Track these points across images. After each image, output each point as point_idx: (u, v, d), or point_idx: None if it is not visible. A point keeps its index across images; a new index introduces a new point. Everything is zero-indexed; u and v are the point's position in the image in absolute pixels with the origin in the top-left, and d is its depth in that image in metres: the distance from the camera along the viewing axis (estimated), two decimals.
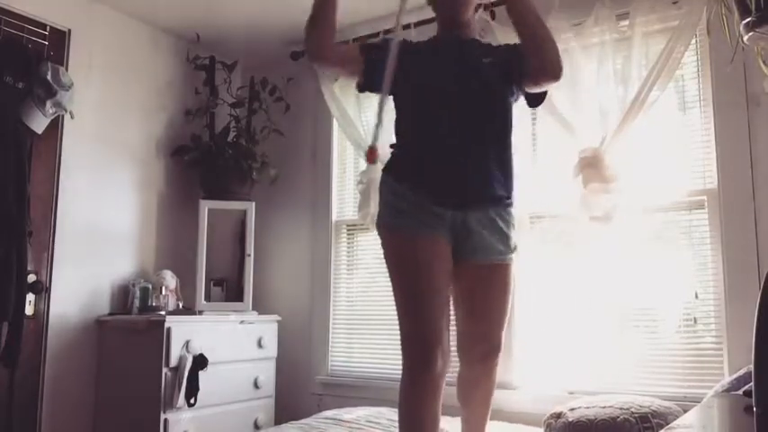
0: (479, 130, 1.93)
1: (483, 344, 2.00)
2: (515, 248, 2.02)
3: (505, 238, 1.97)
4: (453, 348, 2.02)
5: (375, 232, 2.06)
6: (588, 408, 2.35)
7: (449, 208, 1.90)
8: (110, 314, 3.31)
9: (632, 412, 2.26)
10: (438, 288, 1.86)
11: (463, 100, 1.94)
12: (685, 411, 1.92)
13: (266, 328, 3.51)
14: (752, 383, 1.02)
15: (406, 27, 3.39)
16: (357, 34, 3.52)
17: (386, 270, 1.95)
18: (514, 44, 2.02)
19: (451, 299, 1.99)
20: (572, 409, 2.37)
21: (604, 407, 2.32)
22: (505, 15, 3.11)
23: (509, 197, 2.01)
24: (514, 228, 2.02)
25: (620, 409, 2.29)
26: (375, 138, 1.96)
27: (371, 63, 1.98)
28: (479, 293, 1.98)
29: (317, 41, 1.94)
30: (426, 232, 1.87)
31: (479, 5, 2.17)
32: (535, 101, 2.12)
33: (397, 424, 1.96)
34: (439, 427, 1.88)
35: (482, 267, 1.96)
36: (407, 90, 2.00)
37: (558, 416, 2.38)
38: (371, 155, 2.07)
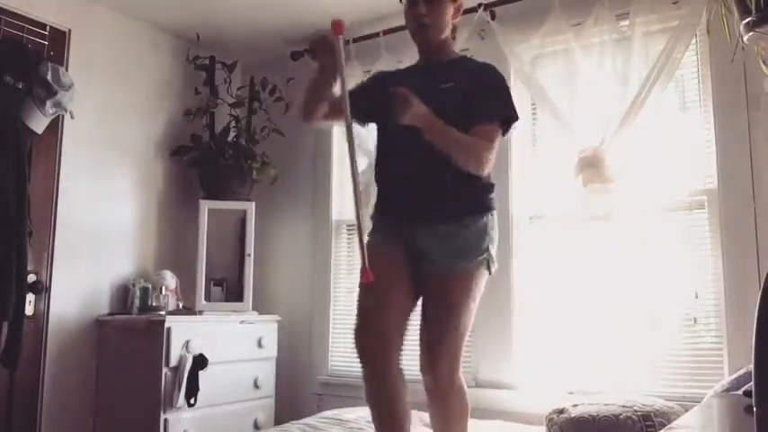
0: (433, 154, 1.93)
1: (428, 352, 2.01)
2: (482, 259, 2.01)
3: (463, 250, 2.00)
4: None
5: None
6: (591, 405, 2.35)
7: (404, 228, 2.03)
8: (110, 314, 3.31)
9: (635, 410, 2.26)
10: (382, 296, 1.96)
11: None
12: (687, 411, 1.92)
13: (266, 328, 3.51)
14: (752, 383, 1.02)
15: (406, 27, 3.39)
16: (357, 34, 3.52)
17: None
18: (486, 79, 2.08)
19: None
20: (574, 406, 2.37)
21: (607, 404, 2.32)
22: (506, 15, 3.14)
23: (473, 212, 2.03)
24: (485, 238, 2.02)
25: (623, 406, 2.29)
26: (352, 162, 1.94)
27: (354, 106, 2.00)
28: (430, 303, 2.04)
29: (305, 110, 2.13)
30: (385, 249, 2.02)
31: (455, 29, 2.21)
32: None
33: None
34: (402, 415, 1.96)
35: (434, 278, 2.02)
36: (377, 119, 2.16)
37: (561, 411, 2.38)
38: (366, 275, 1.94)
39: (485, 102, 2.02)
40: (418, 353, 2.04)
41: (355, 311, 2.03)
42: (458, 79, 2.04)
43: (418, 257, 2.02)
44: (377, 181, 2.17)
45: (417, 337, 2.05)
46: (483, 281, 2.03)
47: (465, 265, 1.99)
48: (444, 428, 2.06)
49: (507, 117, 2.06)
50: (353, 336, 1.98)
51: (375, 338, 1.94)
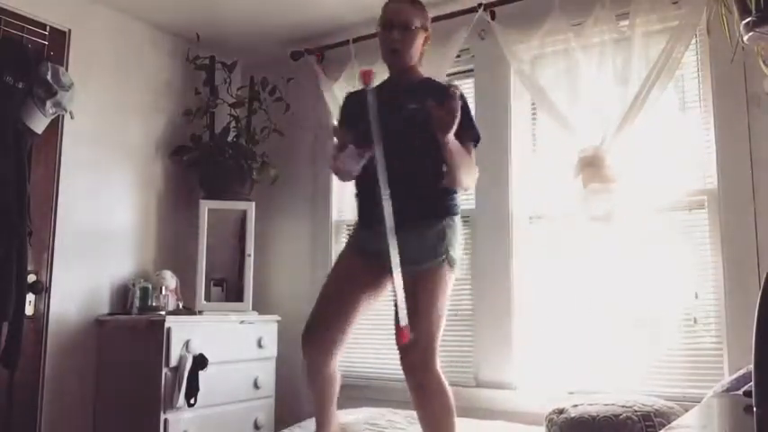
0: (400, 169, 2.12)
1: (402, 347, 2.12)
2: (442, 260, 2.15)
3: (424, 251, 2.14)
4: None
5: None
6: (591, 405, 2.34)
7: (375, 234, 2.16)
8: (109, 314, 3.31)
9: (635, 410, 2.26)
10: (334, 313, 2.24)
11: (390, 143, 2.12)
12: (687, 411, 1.92)
13: (266, 328, 3.51)
14: (752, 383, 1.02)
15: None
16: (357, 34, 3.52)
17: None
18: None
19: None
20: (574, 406, 2.37)
21: (607, 404, 2.32)
22: (505, 15, 3.14)
23: (436, 217, 2.19)
24: (444, 239, 2.16)
25: (623, 407, 2.28)
26: None
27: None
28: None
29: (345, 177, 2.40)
30: (351, 261, 2.29)
31: (422, 55, 2.36)
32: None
33: (395, 425, 2.11)
34: (326, 394, 2.31)
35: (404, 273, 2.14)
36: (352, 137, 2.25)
37: (561, 412, 2.38)
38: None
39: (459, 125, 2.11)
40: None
41: (311, 314, 2.27)
42: (423, 100, 2.13)
43: (385, 260, 2.12)
44: (356, 195, 2.36)
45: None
46: (448, 278, 2.16)
47: (427, 265, 2.13)
48: (430, 426, 2.12)
49: (477, 138, 2.27)
50: (302, 339, 2.25)
51: (320, 348, 2.24)
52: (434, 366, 2.09)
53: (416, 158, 2.19)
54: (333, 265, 2.41)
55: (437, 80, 2.39)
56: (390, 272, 2.11)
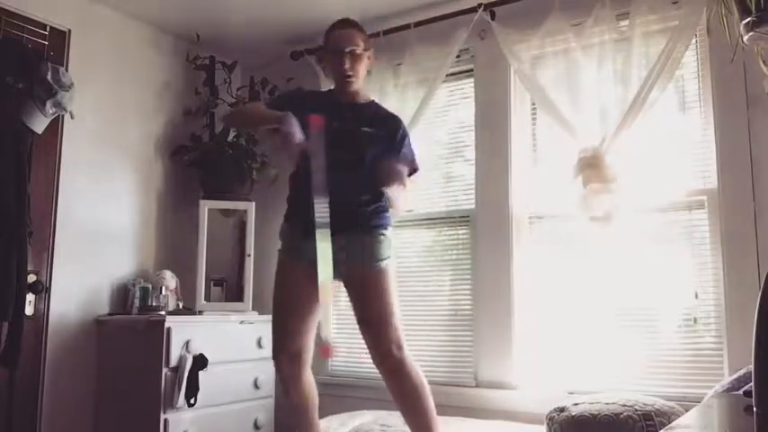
0: (348, 177, 2.27)
1: (367, 333, 2.29)
2: (381, 263, 2.32)
3: (366, 256, 2.31)
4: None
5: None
6: (592, 404, 2.34)
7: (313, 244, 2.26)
8: (109, 314, 3.31)
9: (636, 410, 2.26)
10: (300, 321, 2.35)
11: (336, 159, 2.24)
12: (687, 411, 1.92)
13: (266, 328, 3.45)
14: (752, 383, 1.02)
15: (406, 27, 3.40)
16: None
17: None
18: (400, 131, 2.45)
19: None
20: (575, 404, 2.37)
21: (608, 403, 2.32)
22: (506, 15, 3.14)
23: (375, 227, 2.34)
24: (379, 245, 2.33)
25: (624, 405, 2.28)
26: None
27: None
28: (354, 296, 2.36)
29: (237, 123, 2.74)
30: (301, 267, 2.35)
31: (368, 71, 2.53)
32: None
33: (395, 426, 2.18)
34: (308, 401, 2.39)
35: (350, 278, 2.34)
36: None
37: (561, 410, 2.38)
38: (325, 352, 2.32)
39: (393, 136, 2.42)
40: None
41: (274, 329, 2.38)
42: (376, 126, 2.39)
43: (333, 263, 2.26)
44: (292, 197, 2.45)
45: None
46: (389, 275, 2.32)
47: (369, 265, 2.29)
48: (411, 405, 2.24)
49: (415, 171, 2.47)
50: (273, 355, 2.35)
51: (292, 360, 2.33)
52: (405, 347, 2.26)
53: (360, 177, 2.31)
54: (277, 275, 2.44)
55: (381, 106, 2.56)
56: (341, 271, 2.29)
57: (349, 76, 2.39)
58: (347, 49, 2.38)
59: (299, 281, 2.34)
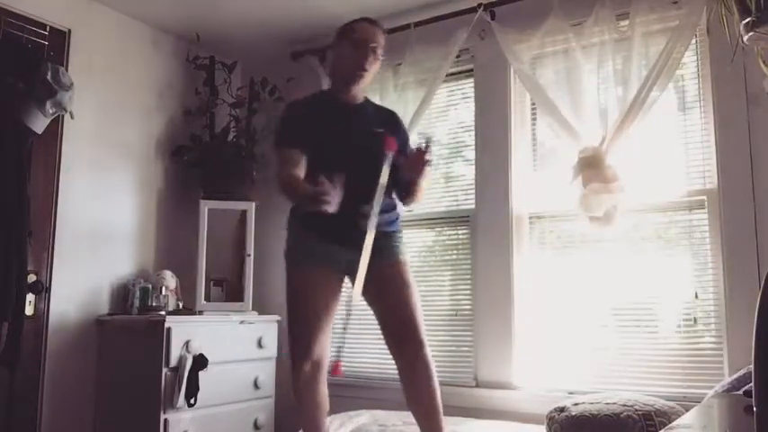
0: (362, 186, 2.17)
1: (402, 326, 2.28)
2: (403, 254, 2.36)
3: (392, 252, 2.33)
4: None
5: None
6: (592, 403, 2.35)
7: (345, 245, 2.24)
8: (109, 314, 3.31)
9: (636, 409, 2.26)
10: (325, 328, 2.32)
11: (354, 163, 2.19)
12: (687, 411, 1.92)
13: (266, 328, 3.51)
14: (752, 383, 1.02)
15: (406, 27, 3.40)
16: None
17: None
18: (402, 128, 2.48)
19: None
20: (575, 404, 2.37)
21: (608, 403, 2.32)
22: (506, 15, 3.14)
23: (394, 231, 2.36)
24: (399, 243, 2.37)
25: (624, 405, 2.28)
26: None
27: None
28: (380, 299, 2.32)
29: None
30: (326, 273, 2.32)
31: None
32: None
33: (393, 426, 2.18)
34: (321, 409, 2.37)
35: (381, 272, 2.26)
36: (315, 149, 2.27)
37: (562, 410, 2.38)
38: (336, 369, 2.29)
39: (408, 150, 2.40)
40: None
41: (296, 337, 2.31)
42: (380, 123, 2.35)
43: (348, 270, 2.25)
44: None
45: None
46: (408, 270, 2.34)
47: (396, 258, 2.31)
48: (430, 404, 2.22)
49: None
50: (296, 364, 2.29)
51: (314, 368, 2.30)
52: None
53: (375, 178, 2.26)
54: (296, 282, 2.33)
55: (374, 102, 2.54)
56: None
57: (365, 71, 2.32)
58: (372, 44, 2.32)
59: (323, 288, 2.30)
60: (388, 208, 2.33)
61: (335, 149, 2.26)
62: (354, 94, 2.39)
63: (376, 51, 2.33)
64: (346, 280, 2.36)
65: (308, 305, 2.29)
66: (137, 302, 3.30)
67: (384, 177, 2.19)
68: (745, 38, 1.86)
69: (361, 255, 2.16)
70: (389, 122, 2.43)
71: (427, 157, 2.21)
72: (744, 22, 1.75)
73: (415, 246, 3.44)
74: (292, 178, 2.19)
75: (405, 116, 2.88)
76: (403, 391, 2.27)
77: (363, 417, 2.85)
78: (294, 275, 2.34)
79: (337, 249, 2.25)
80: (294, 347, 2.31)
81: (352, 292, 2.22)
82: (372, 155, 2.22)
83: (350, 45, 2.34)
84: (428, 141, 2.23)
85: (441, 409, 2.23)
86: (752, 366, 1.02)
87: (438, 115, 3.50)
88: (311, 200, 2.02)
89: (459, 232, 3.36)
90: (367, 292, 2.23)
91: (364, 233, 2.15)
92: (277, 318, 3.59)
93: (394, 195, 2.40)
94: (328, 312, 2.32)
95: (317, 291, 2.30)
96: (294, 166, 2.22)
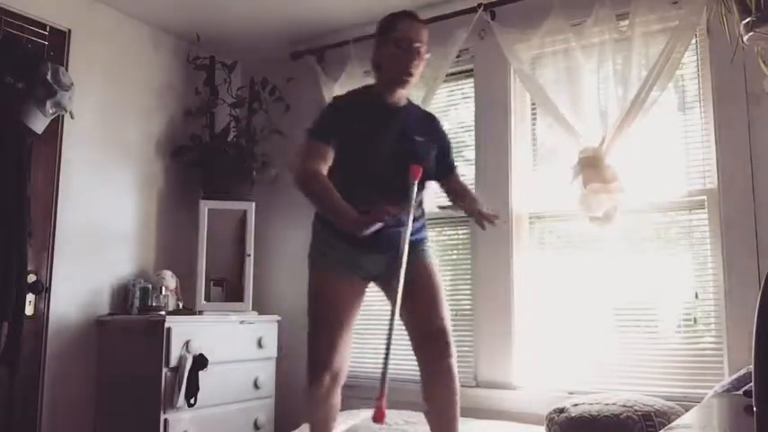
0: (402, 189, 2.10)
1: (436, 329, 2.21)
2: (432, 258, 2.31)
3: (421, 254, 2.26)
4: None
5: None
6: (591, 404, 2.35)
7: (374, 251, 2.19)
8: (110, 314, 3.31)
9: (635, 410, 2.26)
10: (347, 339, 2.23)
11: (389, 169, 2.14)
12: (687, 411, 1.92)
13: (266, 328, 3.51)
14: (752, 383, 1.02)
15: None
16: (357, 34, 3.52)
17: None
18: (443, 132, 2.40)
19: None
20: (575, 405, 2.37)
21: (608, 404, 2.32)
22: (506, 15, 3.14)
23: (423, 238, 2.30)
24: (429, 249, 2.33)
25: (624, 406, 2.28)
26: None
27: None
28: (418, 290, 2.21)
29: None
30: (352, 281, 2.25)
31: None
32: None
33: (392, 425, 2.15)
34: (332, 419, 2.28)
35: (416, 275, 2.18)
36: (350, 149, 2.17)
37: (561, 411, 2.38)
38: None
39: (450, 155, 2.39)
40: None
41: (317, 346, 2.19)
42: (425, 133, 2.27)
43: (388, 273, 2.16)
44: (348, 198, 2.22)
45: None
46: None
47: (428, 261, 2.26)
48: (450, 410, 2.14)
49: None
50: (315, 374, 2.17)
51: (333, 379, 2.19)
52: None
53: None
54: (320, 289, 2.24)
55: (415, 105, 2.42)
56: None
57: (411, 75, 2.16)
58: (416, 44, 2.14)
59: (348, 296, 2.21)
60: (416, 216, 2.23)
61: (372, 152, 2.16)
62: (397, 98, 2.24)
63: (420, 52, 2.16)
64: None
65: (333, 313, 2.18)
66: (137, 302, 3.30)
67: (411, 205, 2.09)
68: (745, 38, 1.86)
69: (387, 259, 2.13)
70: (432, 129, 2.33)
71: (492, 220, 2.15)
72: (744, 22, 1.75)
73: None
74: (329, 188, 2.07)
75: None
76: (423, 399, 2.18)
77: (359, 416, 2.85)
78: (319, 282, 2.24)
79: (365, 255, 2.18)
80: (314, 356, 2.19)
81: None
82: (409, 162, 2.10)
83: (393, 45, 2.16)
84: (496, 217, 2.18)
85: (457, 420, 2.15)
86: (752, 366, 1.02)
87: (438, 115, 3.48)
88: (350, 223, 1.99)
89: (459, 232, 3.36)
90: (410, 299, 2.17)
91: (392, 238, 2.08)
92: (277, 318, 3.59)
93: (424, 202, 2.32)
94: (351, 321, 2.23)
95: (343, 299, 2.20)
96: (321, 161, 2.12)
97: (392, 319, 2.00)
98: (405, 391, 3.26)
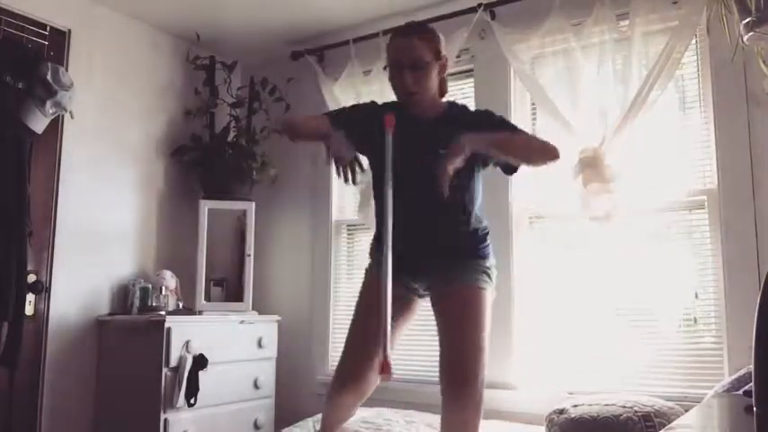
0: (434, 195, 1.95)
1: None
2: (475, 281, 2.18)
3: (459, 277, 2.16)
4: None
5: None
6: (591, 405, 2.34)
7: (406, 263, 2.10)
8: (110, 314, 3.31)
9: (635, 411, 2.26)
10: (373, 352, 2.03)
11: (414, 184, 2.03)
12: (687, 411, 1.92)
13: (266, 328, 3.51)
14: (752, 383, 1.02)
15: None
16: (357, 34, 3.53)
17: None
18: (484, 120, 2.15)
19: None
20: (575, 406, 2.37)
21: (607, 404, 2.32)
22: (506, 15, 3.14)
23: (468, 256, 2.18)
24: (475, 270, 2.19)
25: (623, 407, 2.28)
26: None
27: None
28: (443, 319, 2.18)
29: (294, 135, 2.20)
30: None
31: (445, 81, 2.18)
32: (511, 171, 2.23)
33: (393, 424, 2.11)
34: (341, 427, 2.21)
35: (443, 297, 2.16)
36: (374, 156, 2.12)
37: (561, 412, 2.38)
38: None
39: (495, 127, 2.10)
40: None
41: (351, 353, 2.13)
42: (449, 141, 2.00)
43: (420, 287, 2.16)
44: (377, 215, 2.17)
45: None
46: (485, 302, 2.21)
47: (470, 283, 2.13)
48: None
49: (514, 127, 2.16)
50: (341, 380, 2.11)
51: (356, 390, 2.11)
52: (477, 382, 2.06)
53: (448, 205, 2.04)
54: (363, 298, 2.20)
55: (459, 107, 2.23)
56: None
57: (413, 94, 2.08)
58: (407, 62, 2.05)
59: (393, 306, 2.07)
60: (461, 233, 2.15)
61: (392, 164, 2.03)
62: (422, 109, 2.13)
63: (418, 67, 2.05)
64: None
65: (366, 323, 2.09)
66: (137, 302, 3.30)
67: (389, 156, 2.01)
68: (745, 38, 1.86)
69: (426, 280, 2.14)
70: (472, 129, 2.05)
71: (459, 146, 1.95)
72: (744, 22, 1.75)
73: None
74: (308, 117, 2.06)
75: None
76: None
77: (366, 413, 2.85)
78: (364, 289, 2.21)
79: (406, 278, 2.13)
80: (344, 367, 2.14)
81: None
82: (431, 177, 1.93)
83: (390, 68, 2.12)
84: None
85: None
86: (752, 366, 1.02)
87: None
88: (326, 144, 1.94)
89: None
90: (435, 311, 2.17)
91: (430, 260, 2.09)
92: (277, 318, 3.59)
93: (481, 214, 2.22)
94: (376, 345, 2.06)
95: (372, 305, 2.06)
96: (311, 117, 2.11)
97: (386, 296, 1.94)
98: (405, 391, 3.27)
